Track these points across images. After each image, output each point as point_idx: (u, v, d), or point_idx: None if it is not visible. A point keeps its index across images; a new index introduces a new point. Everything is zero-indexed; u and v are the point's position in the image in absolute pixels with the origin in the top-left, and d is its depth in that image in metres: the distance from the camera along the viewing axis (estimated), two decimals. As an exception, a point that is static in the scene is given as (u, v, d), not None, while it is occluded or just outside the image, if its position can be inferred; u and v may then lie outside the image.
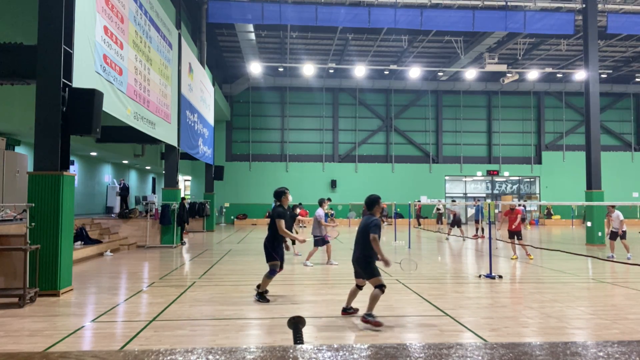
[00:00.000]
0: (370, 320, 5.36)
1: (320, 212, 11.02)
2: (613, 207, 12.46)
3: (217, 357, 0.72)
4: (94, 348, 4.65)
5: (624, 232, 11.88)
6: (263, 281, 6.80)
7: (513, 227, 11.98)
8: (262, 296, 6.74)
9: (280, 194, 7.03)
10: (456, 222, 18.62)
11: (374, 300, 5.40)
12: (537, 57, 27.82)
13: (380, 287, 5.42)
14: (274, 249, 6.84)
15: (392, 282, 8.37)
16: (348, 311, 5.90)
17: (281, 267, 6.93)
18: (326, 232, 10.98)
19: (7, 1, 10.59)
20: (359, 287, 5.86)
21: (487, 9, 19.82)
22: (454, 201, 21.27)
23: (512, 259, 11.93)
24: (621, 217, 11.89)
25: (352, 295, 5.92)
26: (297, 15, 19.08)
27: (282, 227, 6.73)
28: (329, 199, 17.75)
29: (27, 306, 6.34)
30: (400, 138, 32.75)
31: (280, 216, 6.80)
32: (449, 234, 19.11)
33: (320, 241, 10.85)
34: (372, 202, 5.79)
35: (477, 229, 19.39)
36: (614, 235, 12.03)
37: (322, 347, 0.75)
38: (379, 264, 5.60)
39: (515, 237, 12.03)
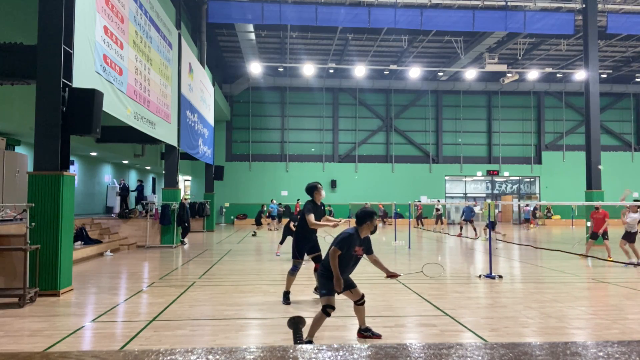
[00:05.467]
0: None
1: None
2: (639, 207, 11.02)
3: (217, 357, 0.72)
4: (94, 348, 4.65)
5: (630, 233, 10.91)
6: (286, 279, 6.70)
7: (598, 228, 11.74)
8: (285, 296, 6.63)
9: (311, 189, 6.65)
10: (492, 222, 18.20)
11: (315, 324, 4.60)
12: (537, 57, 27.82)
13: (325, 310, 4.54)
14: (298, 245, 6.67)
15: (392, 282, 8.37)
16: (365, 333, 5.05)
17: (318, 262, 6.54)
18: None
19: (7, 1, 10.59)
20: (357, 303, 4.91)
21: (487, 9, 19.83)
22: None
23: (579, 255, 11.93)
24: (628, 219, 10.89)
25: (359, 312, 4.99)
26: (297, 15, 19.08)
27: (311, 220, 6.40)
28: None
29: (27, 306, 6.34)
30: (400, 138, 32.76)
31: (309, 210, 6.45)
32: (477, 236, 18.57)
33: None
34: (364, 216, 4.62)
35: (463, 229, 19.51)
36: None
37: (322, 347, 0.75)
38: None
39: (601, 237, 11.66)
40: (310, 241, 6.72)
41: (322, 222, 6.56)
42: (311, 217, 6.42)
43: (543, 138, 33.29)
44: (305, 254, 6.79)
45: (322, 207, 6.77)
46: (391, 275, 4.81)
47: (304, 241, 6.68)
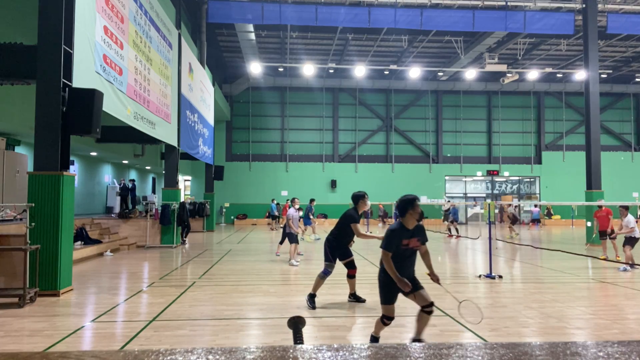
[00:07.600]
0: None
1: (292, 211, 11.02)
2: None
3: (217, 357, 0.72)
4: (94, 348, 4.65)
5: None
6: (315, 281, 6.58)
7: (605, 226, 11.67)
8: (311, 298, 6.45)
9: (357, 198, 6.67)
10: (515, 221, 20.06)
11: (376, 326, 4.66)
12: (537, 57, 27.81)
13: (382, 320, 4.45)
14: (332, 250, 6.66)
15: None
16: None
17: (352, 268, 6.74)
18: (296, 230, 10.92)
19: (7, 1, 10.59)
20: (423, 309, 4.43)
21: (487, 9, 19.82)
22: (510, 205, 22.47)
23: (600, 258, 11.55)
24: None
25: (420, 321, 4.50)
26: (297, 15, 19.07)
27: (360, 231, 6.49)
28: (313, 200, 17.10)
29: (27, 306, 6.34)
30: (400, 138, 32.74)
31: (355, 220, 6.54)
32: (513, 233, 19.89)
33: (294, 237, 10.85)
34: (404, 206, 4.28)
35: (451, 229, 19.60)
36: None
37: (322, 347, 0.75)
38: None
39: (608, 237, 11.53)
40: (341, 247, 6.74)
41: (369, 234, 6.76)
42: (360, 228, 6.51)
43: (543, 138, 33.28)
44: (338, 259, 6.77)
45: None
46: (433, 277, 4.45)
47: (338, 247, 6.69)
